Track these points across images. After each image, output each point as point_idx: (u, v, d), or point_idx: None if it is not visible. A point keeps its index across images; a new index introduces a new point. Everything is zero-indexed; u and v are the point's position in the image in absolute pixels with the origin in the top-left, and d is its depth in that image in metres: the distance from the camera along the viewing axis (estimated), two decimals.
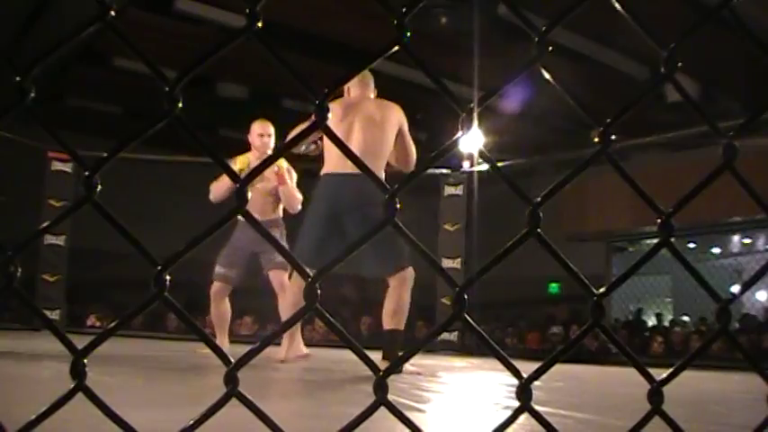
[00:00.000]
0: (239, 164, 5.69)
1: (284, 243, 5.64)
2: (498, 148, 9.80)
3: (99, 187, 0.77)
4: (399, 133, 4.80)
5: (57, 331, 0.82)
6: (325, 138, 4.73)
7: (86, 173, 0.76)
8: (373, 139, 4.71)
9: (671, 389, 0.95)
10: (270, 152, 5.73)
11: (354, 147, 4.57)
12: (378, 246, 4.21)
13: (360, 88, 4.97)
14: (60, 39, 0.74)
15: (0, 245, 0.76)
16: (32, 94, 0.74)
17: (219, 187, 5.80)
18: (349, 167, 4.44)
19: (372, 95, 5.03)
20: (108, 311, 10.37)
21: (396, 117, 4.82)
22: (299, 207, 5.77)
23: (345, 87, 4.95)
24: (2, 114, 0.74)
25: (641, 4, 0.97)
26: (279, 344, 5.38)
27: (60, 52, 0.75)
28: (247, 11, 0.75)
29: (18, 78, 0.74)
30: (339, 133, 4.63)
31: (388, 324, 4.53)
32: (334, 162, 4.68)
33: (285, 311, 5.36)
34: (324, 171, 4.77)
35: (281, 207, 5.93)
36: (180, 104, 0.76)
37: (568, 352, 1.00)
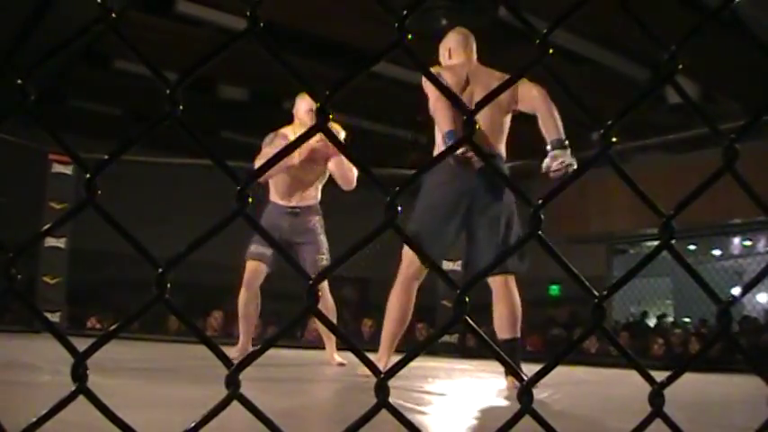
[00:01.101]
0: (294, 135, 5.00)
1: (323, 232, 5.25)
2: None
3: (100, 191, 0.77)
4: (513, 112, 4.10)
5: (58, 334, 0.82)
6: (440, 110, 3.93)
7: (88, 175, 0.76)
8: (495, 116, 4.01)
9: (672, 391, 0.95)
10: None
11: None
12: (494, 242, 3.89)
13: (465, 51, 4.27)
14: (62, 41, 0.74)
15: (2, 246, 0.76)
16: (33, 97, 0.74)
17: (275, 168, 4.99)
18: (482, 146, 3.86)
19: (475, 59, 4.30)
20: (108, 313, 10.38)
21: (514, 92, 4.02)
22: (355, 182, 5.15)
23: (446, 48, 4.31)
24: (4, 117, 0.74)
25: (642, 6, 0.97)
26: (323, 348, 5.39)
27: (62, 54, 0.75)
28: (248, 13, 0.75)
29: (20, 81, 0.74)
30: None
31: (503, 333, 3.95)
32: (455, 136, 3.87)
33: (331, 314, 5.09)
34: (443, 147, 3.96)
35: (320, 191, 5.36)
36: (181, 107, 0.76)
37: (569, 354, 1.00)
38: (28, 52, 8.17)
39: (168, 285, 0.78)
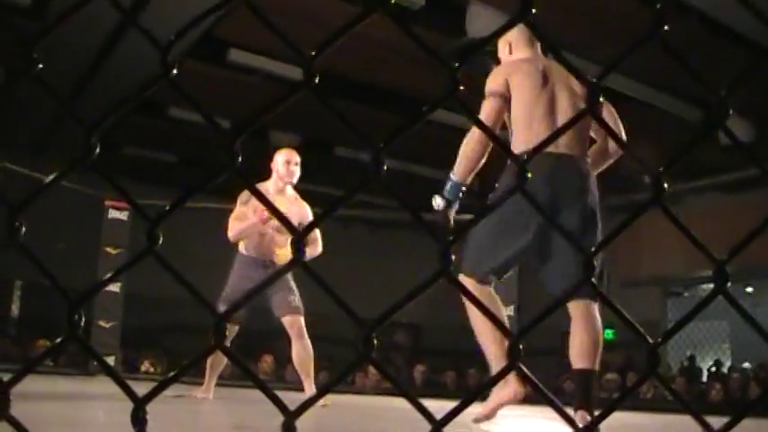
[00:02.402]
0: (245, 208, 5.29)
1: (293, 285, 5.25)
2: None
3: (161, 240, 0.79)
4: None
5: (117, 378, 0.84)
6: (517, 105, 3.57)
7: (150, 225, 0.79)
8: (576, 109, 3.50)
9: None
10: (295, 181, 5.43)
11: (562, 124, 3.37)
12: (569, 259, 3.29)
13: (530, 46, 3.81)
14: (126, 95, 0.77)
15: (65, 294, 0.79)
16: (98, 150, 0.77)
17: (243, 231, 5.37)
18: (562, 146, 3.37)
19: (541, 53, 3.82)
20: (162, 357, 10.47)
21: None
22: (319, 250, 5.24)
23: (506, 43, 3.85)
24: (68, 170, 0.77)
25: (693, 46, 0.98)
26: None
27: (126, 109, 0.78)
28: (304, 69, 0.77)
29: (85, 136, 0.77)
30: (540, 104, 3.52)
31: (579, 362, 3.45)
32: (536, 137, 3.43)
33: (307, 359, 5.21)
34: (522, 149, 3.46)
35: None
36: (239, 158, 0.78)
37: (624, 400, 0.99)
38: (87, 101, 8.39)
39: (226, 332, 0.79)
